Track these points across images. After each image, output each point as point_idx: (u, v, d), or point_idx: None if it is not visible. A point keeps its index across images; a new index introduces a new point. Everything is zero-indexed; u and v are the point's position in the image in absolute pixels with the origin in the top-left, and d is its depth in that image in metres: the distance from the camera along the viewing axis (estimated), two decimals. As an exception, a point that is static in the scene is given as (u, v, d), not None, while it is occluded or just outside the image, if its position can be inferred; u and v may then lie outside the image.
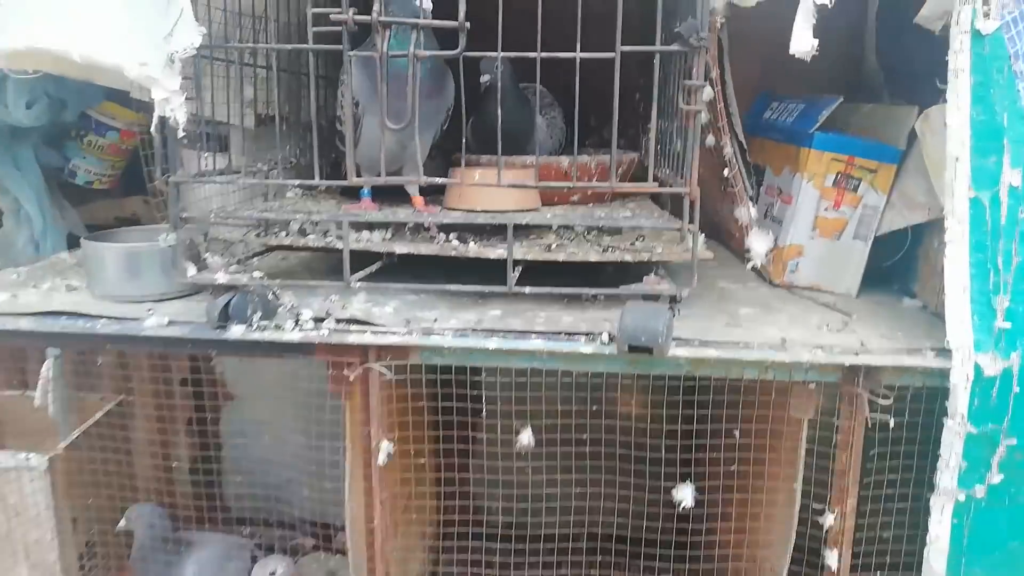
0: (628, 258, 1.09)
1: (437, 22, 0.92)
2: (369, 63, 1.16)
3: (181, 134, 0.92)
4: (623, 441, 1.12)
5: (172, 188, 1.00)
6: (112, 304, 1.15)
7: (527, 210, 1.30)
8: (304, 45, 0.94)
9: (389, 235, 1.19)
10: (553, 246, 1.14)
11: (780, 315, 1.16)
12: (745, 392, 1.09)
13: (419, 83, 1.12)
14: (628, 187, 0.98)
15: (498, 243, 1.16)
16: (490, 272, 1.11)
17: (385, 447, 1.06)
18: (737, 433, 1.06)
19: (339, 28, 0.93)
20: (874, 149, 1.23)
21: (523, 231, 1.19)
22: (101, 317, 1.09)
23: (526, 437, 1.06)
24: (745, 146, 1.12)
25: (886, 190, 1.24)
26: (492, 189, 1.24)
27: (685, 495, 1.05)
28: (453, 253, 1.13)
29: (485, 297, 1.14)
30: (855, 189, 1.25)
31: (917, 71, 1.30)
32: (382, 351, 1.04)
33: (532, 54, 0.94)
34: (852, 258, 1.27)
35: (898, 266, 1.31)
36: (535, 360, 1.03)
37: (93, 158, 1.76)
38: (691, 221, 0.95)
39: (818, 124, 1.23)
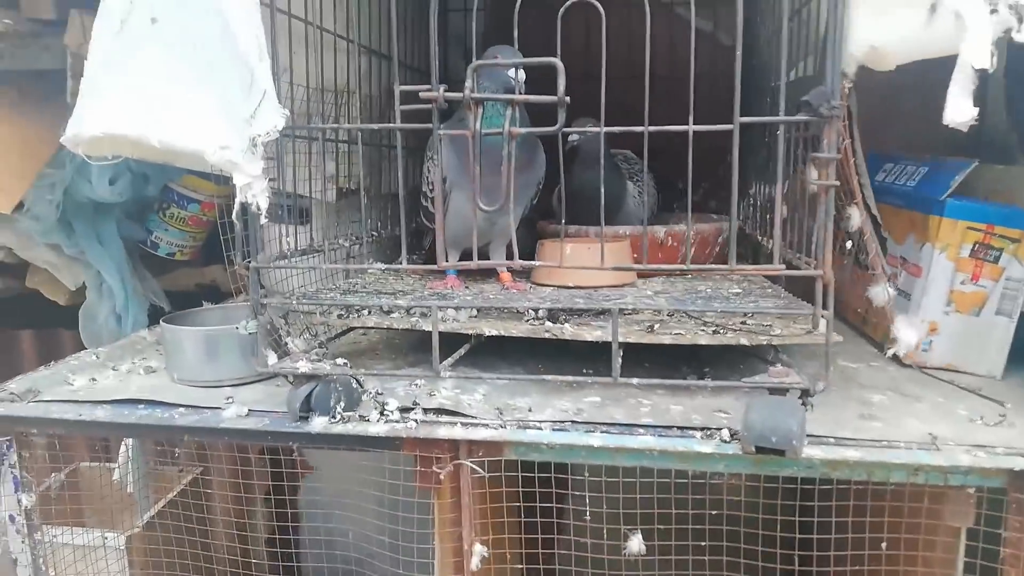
0: (744, 341, 0.98)
1: (534, 97, 0.84)
2: (458, 139, 1.10)
3: (263, 220, 0.86)
4: (743, 547, 0.99)
5: (253, 273, 0.95)
6: (190, 389, 1.10)
7: (622, 285, 1.21)
8: (391, 124, 0.88)
9: (475, 313, 1.11)
10: (655, 326, 1.04)
11: (920, 404, 1.02)
12: (886, 496, 0.95)
13: (517, 157, 1.06)
14: (751, 270, 0.87)
15: (591, 320, 1.07)
16: (585, 352, 1.03)
17: (479, 551, 0.97)
18: (884, 545, 0.92)
19: (428, 106, 0.87)
20: (1017, 216, 1.10)
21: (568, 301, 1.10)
22: (179, 406, 1.03)
23: (636, 544, 0.95)
24: (880, 220, 1.00)
25: (1033, 260, 1.10)
26: (584, 263, 1.16)
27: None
28: (547, 335, 1.04)
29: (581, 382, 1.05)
30: (996, 260, 1.11)
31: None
32: (474, 446, 0.95)
33: (639, 128, 0.86)
34: (994, 336, 1.13)
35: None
36: (644, 458, 0.92)
37: (175, 230, 1.76)
38: (825, 307, 0.84)
39: (951, 190, 1.11)
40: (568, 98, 0.83)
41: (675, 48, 1.54)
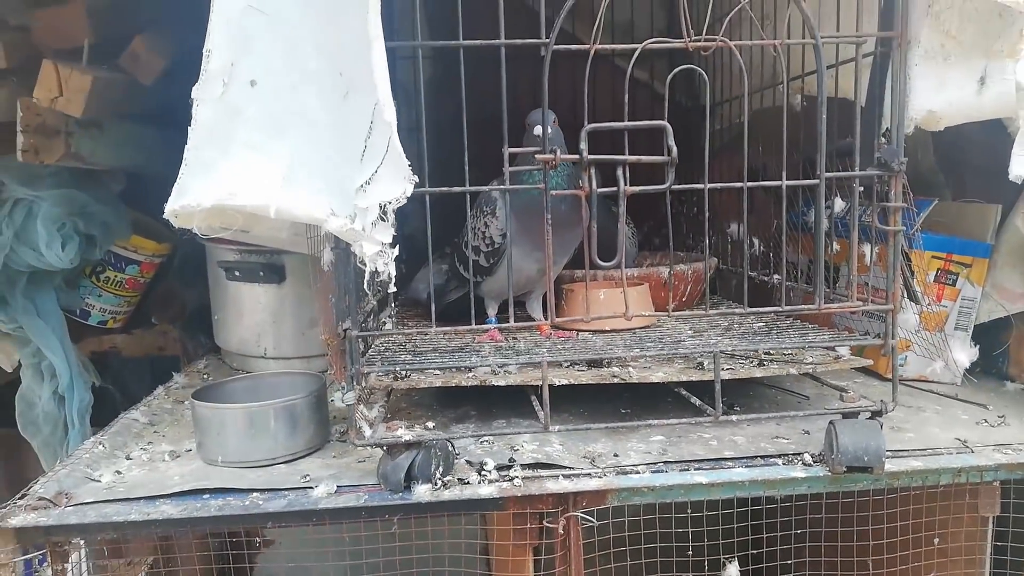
0: (793, 371, 1.09)
1: (647, 158, 0.90)
2: (515, 197, 1.12)
3: (392, 288, 0.84)
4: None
5: (355, 342, 0.91)
6: (246, 472, 1.02)
7: (649, 326, 1.28)
8: (503, 187, 0.90)
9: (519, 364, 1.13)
10: (706, 364, 1.12)
11: (926, 413, 1.18)
12: (912, 499, 1.09)
13: (567, 214, 1.11)
14: (835, 308, 0.98)
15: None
16: (612, 396, 1.12)
17: (588, 602, 0.98)
18: (936, 540, 1.05)
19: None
20: (968, 245, 1.31)
21: (642, 346, 1.16)
22: (253, 491, 0.96)
23: (734, 571, 1.01)
24: (910, 260, 1.16)
25: (981, 282, 1.31)
26: (618, 307, 1.21)
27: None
28: (614, 380, 1.08)
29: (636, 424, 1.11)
30: (953, 283, 1.31)
31: (984, 169, 1.40)
32: (579, 497, 0.97)
33: (699, 185, 0.93)
34: (954, 348, 1.33)
35: (982, 349, 1.38)
36: (738, 489, 0.99)
37: (110, 295, 1.60)
38: (892, 336, 0.96)
39: (918, 225, 1.30)
40: (677, 159, 0.89)
41: (615, 96, 1.66)
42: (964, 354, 1.18)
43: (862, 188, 1.01)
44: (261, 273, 1.42)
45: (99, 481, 1.00)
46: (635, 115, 0.91)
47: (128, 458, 1.09)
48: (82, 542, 1.09)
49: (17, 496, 0.94)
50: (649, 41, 0.89)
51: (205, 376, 1.48)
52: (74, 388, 1.43)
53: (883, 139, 1.00)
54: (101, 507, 0.93)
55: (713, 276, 1.56)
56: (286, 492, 0.96)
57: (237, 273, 1.44)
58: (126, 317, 1.66)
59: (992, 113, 0.94)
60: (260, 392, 1.13)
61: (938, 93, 0.92)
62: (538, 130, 1.12)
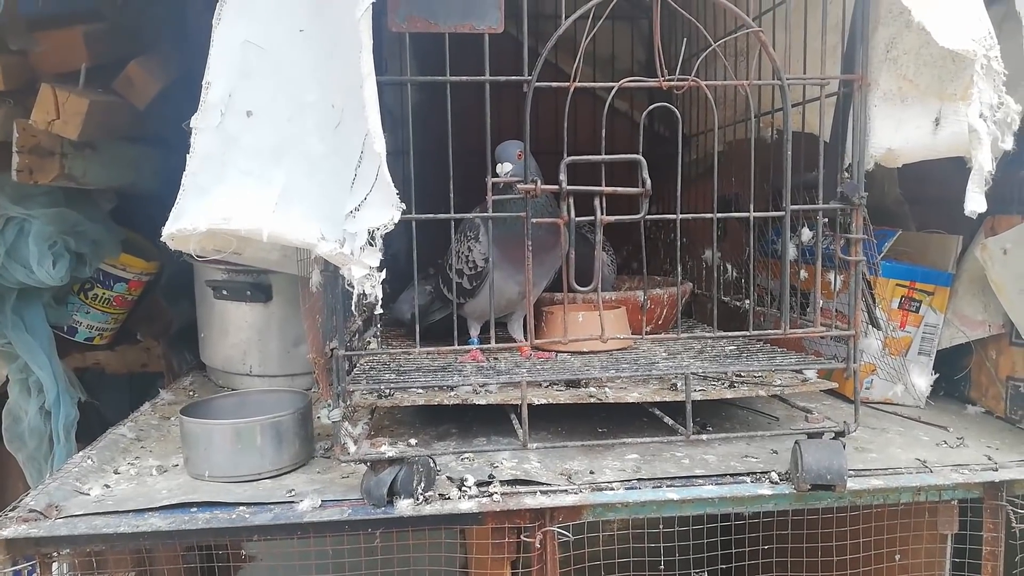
0: (762, 392, 1.14)
1: (622, 189, 0.95)
2: (499, 224, 1.16)
3: (379, 310, 0.88)
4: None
5: (342, 361, 0.94)
6: (233, 486, 1.05)
7: (626, 348, 1.33)
8: (486, 214, 0.94)
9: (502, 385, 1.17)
10: (679, 385, 1.17)
11: (889, 434, 1.24)
12: (875, 516, 1.14)
13: (546, 240, 1.15)
14: (799, 333, 1.03)
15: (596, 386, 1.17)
16: (604, 415, 1.15)
17: (565, 614, 1.02)
18: (897, 556, 1.10)
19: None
20: (931, 274, 1.37)
21: (617, 367, 1.21)
22: (239, 504, 0.99)
23: (704, 585, 1.05)
24: (872, 287, 1.21)
25: (943, 309, 1.37)
26: (595, 329, 1.26)
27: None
28: (591, 400, 1.12)
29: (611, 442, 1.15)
30: (917, 310, 1.37)
31: (945, 200, 1.47)
32: (555, 512, 1.01)
33: (672, 216, 0.98)
34: (918, 373, 1.38)
35: (945, 374, 1.44)
36: (708, 506, 1.03)
37: (97, 312, 1.63)
38: (855, 360, 1.01)
39: (883, 254, 1.36)
40: (652, 191, 0.94)
41: (596, 123, 1.72)
42: (923, 379, 1.24)
43: (826, 220, 1.07)
44: (248, 292, 1.45)
45: (88, 494, 1.03)
46: (615, 143, 0.96)
47: (116, 472, 1.12)
48: (66, 552, 1.12)
49: (8, 508, 0.96)
50: (625, 80, 0.94)
51: (191, 393, 1.51)
52: (60, 404, 1.45)
53: (846, 174, 1.06)
54: (91, 519, 0.95)
55: (690, 301, 1.62)
56: (272, 506, 0.99)
57: (224, 292, 1.47)
58: (112, 334, 1.69)
59: (946, 152, 0.99)
60: (246, 409, 1.16)
61: (896, 132, 0.98)
62: (501, 167, 1.16)
